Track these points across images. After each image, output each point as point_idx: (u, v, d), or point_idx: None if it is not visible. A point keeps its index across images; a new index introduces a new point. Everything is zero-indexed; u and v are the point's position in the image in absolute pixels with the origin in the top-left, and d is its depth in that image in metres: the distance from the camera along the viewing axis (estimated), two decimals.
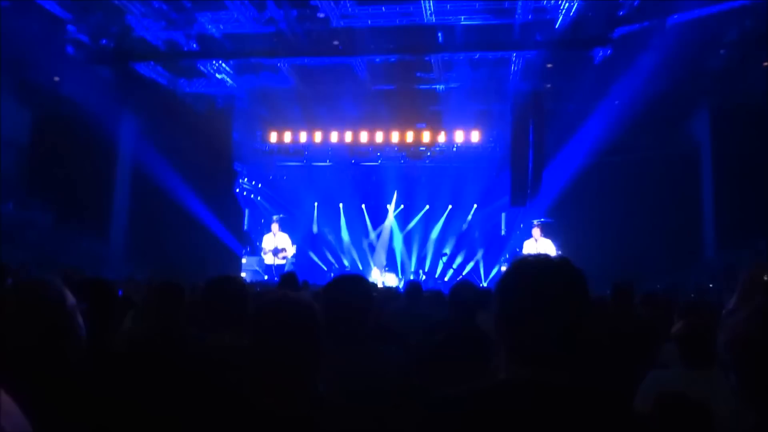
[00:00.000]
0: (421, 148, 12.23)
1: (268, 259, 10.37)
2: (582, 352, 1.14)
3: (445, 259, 11.98)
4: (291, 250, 10.52)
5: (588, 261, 8.60)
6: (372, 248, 13.54)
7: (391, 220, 13.75)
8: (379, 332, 2.48)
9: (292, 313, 1.48)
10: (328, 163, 12.79)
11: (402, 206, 13.87)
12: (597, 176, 9.91)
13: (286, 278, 4.79)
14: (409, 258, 13.55)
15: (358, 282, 2.18)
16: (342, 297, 2.07)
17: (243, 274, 10.59)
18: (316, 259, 13.46)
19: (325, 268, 13.06)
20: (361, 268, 13.11)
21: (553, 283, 1.16)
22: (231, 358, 1.65)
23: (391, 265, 13.05)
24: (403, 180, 13.18)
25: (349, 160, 12.63)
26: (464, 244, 12.97)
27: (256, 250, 11.56)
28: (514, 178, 9.92)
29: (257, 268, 11.05)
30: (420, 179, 13.09)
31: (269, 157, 12.72)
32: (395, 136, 11.86)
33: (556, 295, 1.14)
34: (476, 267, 12.63)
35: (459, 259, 12.86)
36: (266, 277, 10.02)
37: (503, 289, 1.22)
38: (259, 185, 13.55)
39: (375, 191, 13.35)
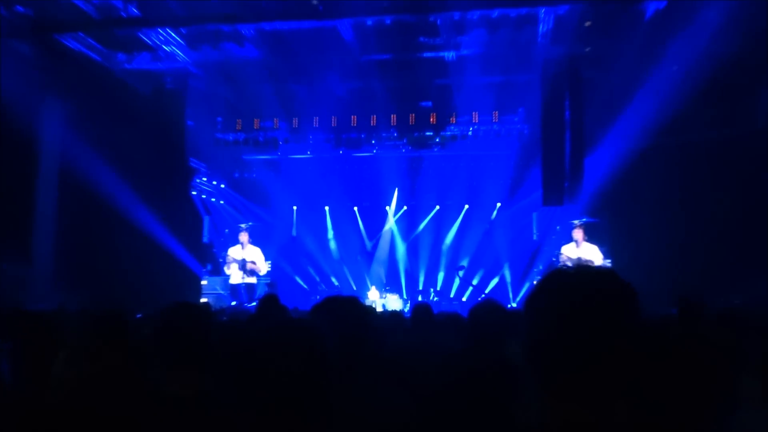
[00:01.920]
0: (428, 134, 12.38)
1: (235, 278, 10.45)
2: (637, 387, 1.17)
3: (461, 273, 12.08)
4: (264, 266, 10.66)
5: (644, 270, 8.80)
6: (368, 262, 13.79)
7: (391, 225, 13.85)
8: (378, 371, 2.50)
9: (294, 342, 1.54)
10: (308, 155, 12.94)
11: (405, 208, 14.02)
12: (653, 163, 9.92)
13: (267, 303, 4.91)
14: (416, 273, 13.64)
15: (351, 306, 2.22)
16: (330, 326, 2.09)
17: (204, 300, 10.75)
18: (298, 279, 13.73)
19: (308, 289, 13.43)
20: (354, 288, 13.29)
21: (597, 301, 1.17)
22: (198, 408, 1.69)
23: (392, 284, 13.21)
24: (406, 174, 13.36)
25: (336, 150, 12.75)
26: (486, 254, 13.05)
27: (219, 269, 11.74)
28: (548, 168, 9.96)
29: (222, 291, 11.25)
30: (427, 173, 13.21)
31: (234, 149, 12.89)
32: (394, 119, 12.03)
33: (602, 317, 1.16)
34: (502, 283, 12.75)
35: (480, 274, 13.00)
36: (234, 303, 10.12)
37: (536, 310, 1.24)
38: (222, 186, 13.75)
39: (370, 190, 13.54)
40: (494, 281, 12.82)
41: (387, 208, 13.90)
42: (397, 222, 13.85)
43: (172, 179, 10.91)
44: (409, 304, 11.72)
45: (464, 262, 12.56)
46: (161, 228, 10.40)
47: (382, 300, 11.98)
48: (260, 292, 10.51)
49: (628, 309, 1.19)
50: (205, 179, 13.26)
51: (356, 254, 13.84)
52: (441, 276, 13.45)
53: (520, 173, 12.16)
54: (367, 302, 10.87)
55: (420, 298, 12.44)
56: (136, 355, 2.72)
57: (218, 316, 5.78)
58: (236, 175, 13.88)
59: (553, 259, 10.27)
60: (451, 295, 12.72)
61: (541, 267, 11.59)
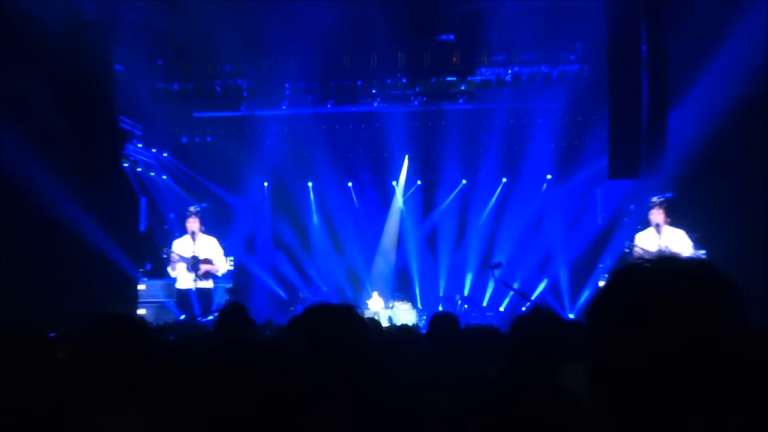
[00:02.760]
0: (449, 79, 12.29)
1: (184, 281, 10.58)
2: (747, 420, 1.15)
3: (498, 273, 11.81)
4: (223, 265, 10.85)
5: (748, 263, 8.78)
6: (368, 258, 13.87)
7: (399, 207, 13.90)
8: (384, 405, 2.49)
9: (265, 370, 1.58)
10: (283, 111, 12.95)
11: (418, 183, 14.06)
12: (762, 119, 9.76)
13: (228, 316, 5.05)
14: (435, 274, 13.65)
15: (345, 319, 2.25)
16: (315, 347, 2.11)
17: (141, 312, 10.91)
18: (271, 283, 13.88)
19: (286, 297, 13.61)
20: (349, 295, 13.40)
21: (686, 305, 1.17)
22: None
23: (402, 289, 13.23)
24: (419, 137, 13.33)
25: (322, 105, 12.74)
26: (532, 245, 13.05)
27: (162, 269, 11.70)
28: (617, 126, 9.86)
29: (165, 300, 11.44)
30: (449, 134, 13.13)
31: (180, 103, 12.92)
32: (402, 59, 11.94)
33: (696, 330, 1.16)
34: (555, 285, 12.74)
35: (523, 273, 12.99)
36: (183, 316, 10.26)
37: (602, 322, 1.24)
38: (165, 154, 13.85)
39: (369, 159, 13.63)
40: (543, 283, 12.89)
41: (394, 183, 13.99)
42: (406, 203, 13.99)
43: (95, 147, 10.67)
44: (425, 317, 11.68)
45: (501, 258, 12.39)
46: (82, 214, 10.43)
47: (387, 311, 11.92)
48: (219, 300, 10.64)
49: (732, 317, 1.18)
50: (140, 146, 13.28)
51: (351, 248, 13.96)
52: (469, 277, 13.51)
53: (578, 133, 12.23)
54: (367, 314, 10.83)
55: (441, 308, 12.36)
56: (46, 389, 2.73)
57: (161, 335, 5.87)
58: (184, 139, 13.94)
59: (626, 251, 10.29)
60: (484, 304, 12.79)
61: (608, 262, 11.65)
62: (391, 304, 12.17)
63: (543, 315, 3.30)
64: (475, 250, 13.46)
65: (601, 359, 1.22)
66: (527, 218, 13.23)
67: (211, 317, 8.99)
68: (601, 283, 2.25)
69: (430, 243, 13.84)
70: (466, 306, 12.32)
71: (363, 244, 14.14)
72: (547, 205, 13.21)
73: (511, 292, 12.13)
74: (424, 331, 5.71)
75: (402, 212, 13.98)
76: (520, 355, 3.17)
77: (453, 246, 13.61)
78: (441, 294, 13.27)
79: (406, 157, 13.73)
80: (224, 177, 13.85)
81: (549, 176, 13.22)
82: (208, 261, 10.55)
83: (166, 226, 13.32)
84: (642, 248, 9.48)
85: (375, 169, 13.81)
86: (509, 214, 13.31)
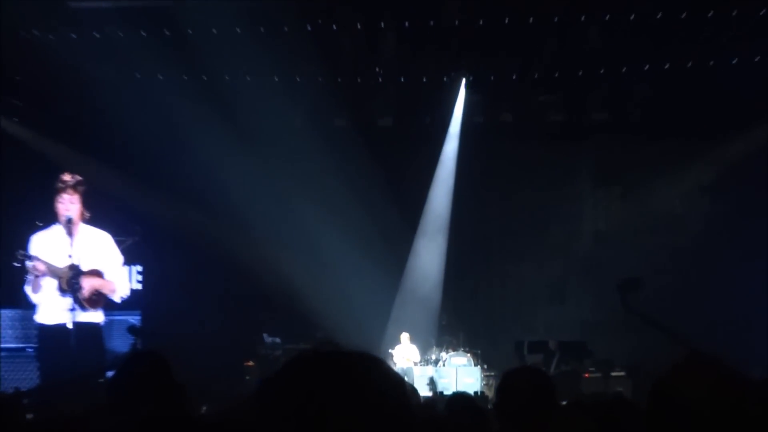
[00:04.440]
0: None
1: (52, 310, 8.73)
2: None
3: (633, 298, 10.66)
4: (123, 282, 9.33)
5: None
6: (389, 275, 13.86)
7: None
8: None
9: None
10: (238, 33, 12.91)
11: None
12: None
13: (135, 372, 4.45)
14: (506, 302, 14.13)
15: (367, 379, 1.63)
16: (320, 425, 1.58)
17: None
18: (215, 316, 14.11)
19: (243, 341, 13.44)
20: (359, 338, 12.61)
21: None
22: None
23: (454, 330, 12.80)
24: None
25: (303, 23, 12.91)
26: None
27: (12, 289, 10.10)
28: None
29: (18, 344, 10.78)
30: None
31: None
32: None
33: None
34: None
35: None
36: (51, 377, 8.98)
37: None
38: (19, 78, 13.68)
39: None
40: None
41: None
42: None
43: None
44: (492, 379, 11.04)
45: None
46: None
47: (427, 368, 11.24)
48: (117, 346, 10.19)
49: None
50: None
51: (354, 252, 13.50)
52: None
53: None
54: (398, 367, 10.85)
55: (524, 359, 11.97)
56: None
57: (12, 409, 5.16)
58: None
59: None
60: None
61: None
62: (433, 356, 11.46)
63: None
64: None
65: None
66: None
67: (102, 378, 7.86)
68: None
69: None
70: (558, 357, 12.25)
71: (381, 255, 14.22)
72: None
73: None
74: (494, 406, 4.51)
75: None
76: None
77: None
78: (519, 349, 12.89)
79: None
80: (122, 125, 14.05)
81: None
82: (96, 273, 8.83)
83: (14, 209, 12.00)
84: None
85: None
86: None
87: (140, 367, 4.42)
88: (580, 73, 13.94)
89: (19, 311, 10.60)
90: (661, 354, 10.99)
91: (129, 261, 10.27)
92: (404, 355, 11.74)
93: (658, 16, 11.97)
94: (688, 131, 14.67)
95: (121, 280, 9.21)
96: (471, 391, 10.14)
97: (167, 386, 4.23)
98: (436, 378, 11.33)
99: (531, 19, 12.09)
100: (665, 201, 15.72)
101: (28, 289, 8.83)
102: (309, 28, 12.50)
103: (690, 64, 13.52)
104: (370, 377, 1.58)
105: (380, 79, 14.80)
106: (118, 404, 4.19)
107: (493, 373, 11.93)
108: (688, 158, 15.12)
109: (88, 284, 8.76)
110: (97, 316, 8.89)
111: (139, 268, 13.44)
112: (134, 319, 11.16)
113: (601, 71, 14.10)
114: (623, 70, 13.82)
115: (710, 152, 15.03)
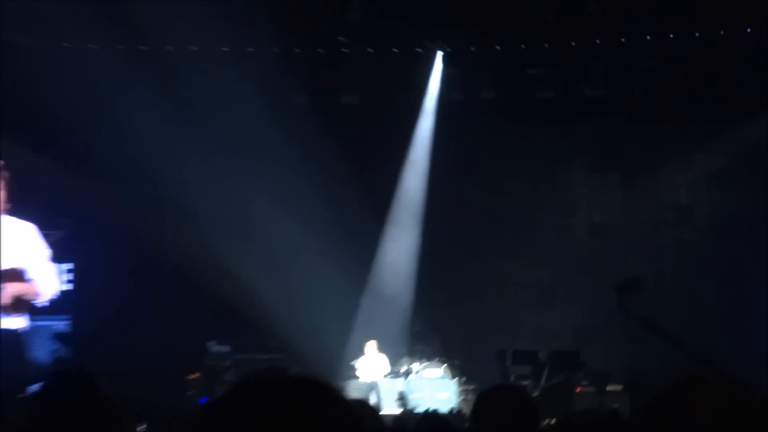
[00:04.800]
0: None
1: None
2: None
3: (630, 300, 9.11)
4: (51, 281, 8.11)
5: None
6: (354, 275, 13.69)
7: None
8: None
9: None
10: None
11: None
12: None
13: (61, 391, 4.27)
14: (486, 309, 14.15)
15: (318, 406, 1.49)
16: None
17: None
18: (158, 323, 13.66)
19: (185, 356, 12.94)
20: (321, 352, 12.56)
21: None
22: None
23: (427, 338, 12.89)
24: None
25: None
26: None
27: None
28: None
29: None
30: None
31: None
32: None
33: None
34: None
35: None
36: None
37: None
38: None
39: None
40: None
41: None
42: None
43: None
44: (469, 393, 10.98)
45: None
46: None
47: (396, 380, 11.24)
48: (41, 357, 9.66)
49: None
50: None
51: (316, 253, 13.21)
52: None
53: None
54: (355, 390, 10.64)
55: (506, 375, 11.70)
56: None
57: None
58: None
59: None
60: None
61: None
62: (404, 367, 11.22)
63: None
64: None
65: None
66: None
67: (22, 393, 6.71)
68: None
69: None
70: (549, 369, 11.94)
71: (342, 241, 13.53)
72: None
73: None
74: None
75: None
76: None
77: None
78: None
79: None
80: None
81: None
82: (18, 275, 7.73)
83: None
84: None
85: None
86: None
87: (64, 385, 4.30)
88: (574, 43, 12.73)
89: None
90: (664, 366, 10.17)
91: (57, 258, 8.98)
92: (370, 367, 11.40)
93: None
94: (696, 111, 13.52)
95: (47, 279, 8.22)
96: (446, 408, 9.91)
97: (94, 408, 4.04)
98: (406, 392, 11.13)
99: None
100: (670, 190, 14.77)
101: None
102: None
103: (698, 34, 12.30)
104: (314, 408, 1.49)
105: (344, 50, 13.63)
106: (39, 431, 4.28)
107: (472, 387, 11.77)
108: (696, 142, 14.08)
109: (6, 289, 7.83)
110: (18, 322, 7.99)
111: (69, 266, 12.93)
112: (62, 324, 10.96)
113: (598, 41, 12.86)
114: (623, 40, 12.60)
115: (721, 135, 13.88)
